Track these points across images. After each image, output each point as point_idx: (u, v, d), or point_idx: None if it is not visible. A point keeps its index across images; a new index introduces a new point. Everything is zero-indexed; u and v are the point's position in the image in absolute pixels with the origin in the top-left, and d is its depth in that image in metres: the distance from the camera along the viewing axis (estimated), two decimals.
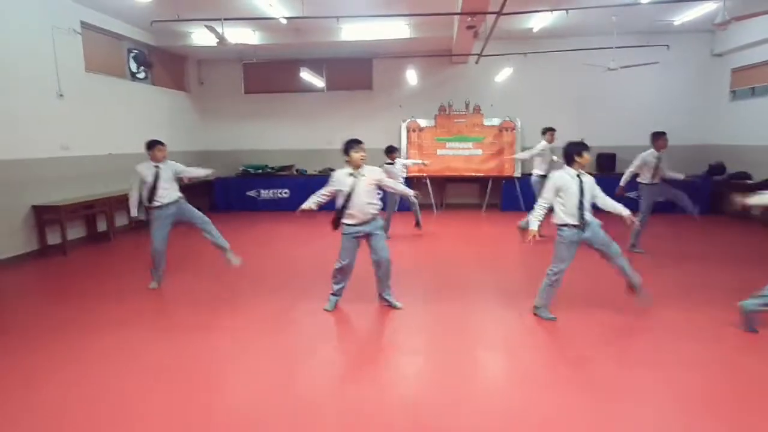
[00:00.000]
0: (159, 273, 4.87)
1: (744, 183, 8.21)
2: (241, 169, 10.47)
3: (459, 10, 5.85)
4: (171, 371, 3.12)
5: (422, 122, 9.74)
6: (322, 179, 10.19)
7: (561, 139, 9.65)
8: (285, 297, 4.58)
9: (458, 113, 9.73)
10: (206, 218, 5.01)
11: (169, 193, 4.80)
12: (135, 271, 5.51)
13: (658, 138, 6.10)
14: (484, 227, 8.25)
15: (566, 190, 3.66)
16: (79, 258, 6.26)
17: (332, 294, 4.19)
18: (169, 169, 4.86)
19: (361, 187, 3.89)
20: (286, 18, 6.75)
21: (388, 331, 3.84)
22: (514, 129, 9.50)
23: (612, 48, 8.00)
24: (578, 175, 3.72)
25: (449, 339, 3.63)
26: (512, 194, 9.61)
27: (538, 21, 8.08)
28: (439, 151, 9.66)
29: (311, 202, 4.08)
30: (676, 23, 8.21)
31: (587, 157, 3.74)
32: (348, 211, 3.92)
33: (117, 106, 7.95)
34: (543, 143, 7.22)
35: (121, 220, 7.82)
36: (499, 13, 5.77)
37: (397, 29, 8.31)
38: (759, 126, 8.20)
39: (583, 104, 9.77)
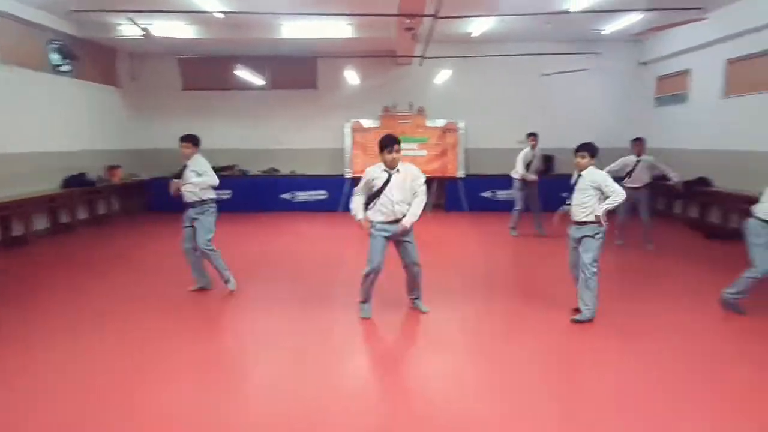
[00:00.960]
0: (200, 275, 4.63)
1: (666, 184, 8.75)
2: (179, 168, 9.98)
3: (396, 12, 5.85)
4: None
5: (367, 123, 9.71)
6: (267, 180, 10.11)
7: (501, 140, 10.05)
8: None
9: (402, 114, 9.78)
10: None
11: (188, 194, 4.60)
12: (55, 279, 5.12)
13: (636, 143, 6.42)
14: (431, 227, 8.31)
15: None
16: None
17: (362, 301, 3.96)
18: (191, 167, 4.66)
19: (394, 183, 3.69)
20: (223, 12, 6.51)
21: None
22: (457, 130, 9.66)
23: (548, 54, 8.33)
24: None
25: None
26: (456, 195, 9.78)
27: (478, 26, 8.26)
28: None
29: (359, 209, 3.84)
30: (605, 32, 8.63)
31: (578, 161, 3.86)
32: (377, 207, 3.75)
33: (35, 101, 7.36)
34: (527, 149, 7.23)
35: (39, 224, 7.27)
36: (435, 17, 5.83)
37: (339, 29, 8.22)
38: (680, 131, 8.77)
39: (522, 107, 10.06)
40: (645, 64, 9.80)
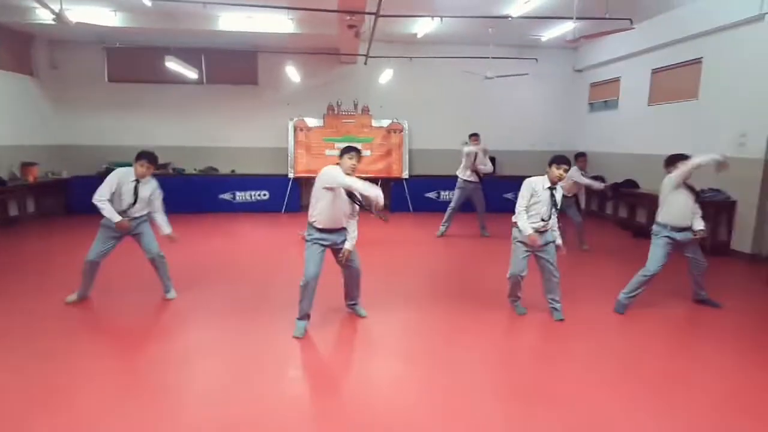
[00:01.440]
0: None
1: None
2: (104, 167, 9.27)
3: (336, 9, 5.70)
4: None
5: (311, 121, 9.47)
6: (202, 180, 9.59)
7: (445, 141, 10.15)
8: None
9: (347, 113, 9.63)
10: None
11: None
12: None
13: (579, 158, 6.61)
14: (375, 228, 8.21)
15: None
16: None
17: (298, 318, 3.62)
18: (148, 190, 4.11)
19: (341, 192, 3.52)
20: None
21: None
22: (402, 131, 9.64)
23: (488, 58, 8.48)
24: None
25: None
26: (401, 195, 9.76)
27: (422, 27, 8.27)
28: (327, 152, 9.45)
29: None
30: (543, 39, 8.93)
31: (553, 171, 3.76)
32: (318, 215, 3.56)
33: None
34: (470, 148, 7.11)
35: None
36: (376, 15, 5.72)
37: (281, 23, 7.92)
38: (610, 135, 9.25)
39: (465, 109, 10.22)
40: (579, 71, 10.27)
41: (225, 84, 9.75)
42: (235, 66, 9.73)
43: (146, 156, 4.01)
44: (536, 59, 9.20)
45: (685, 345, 3.71)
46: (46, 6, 4.52)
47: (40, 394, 2.76)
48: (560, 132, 10.57)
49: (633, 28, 5.68)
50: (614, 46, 8.66)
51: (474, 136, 7.34)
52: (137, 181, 4.00)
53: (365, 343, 3.69)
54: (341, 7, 5.46)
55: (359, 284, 3.95)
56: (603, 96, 9.64)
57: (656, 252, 4.08)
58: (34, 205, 8.44)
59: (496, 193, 9.45)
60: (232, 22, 7.89)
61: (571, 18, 6.43)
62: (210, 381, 3.01)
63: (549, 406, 2.72)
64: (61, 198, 8.87)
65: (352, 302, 4.04)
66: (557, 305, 3.99)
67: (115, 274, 4.85)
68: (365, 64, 9.24)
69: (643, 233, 7.52)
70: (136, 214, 4.06)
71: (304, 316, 3.63)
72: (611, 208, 9.09)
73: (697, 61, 7.04)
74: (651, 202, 7.71)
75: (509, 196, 9.10)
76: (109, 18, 7.51)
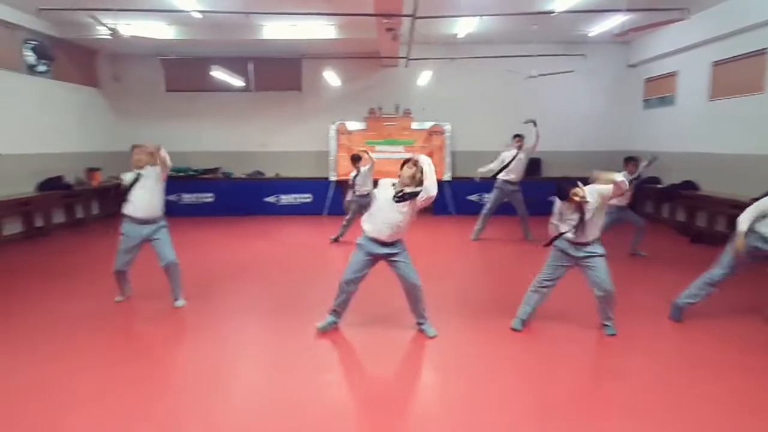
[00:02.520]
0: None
1: (654, 187, 8.67)
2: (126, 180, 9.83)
3: (373, 12, 5.73)
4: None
5: (352, 125, 9.58)
6: (249, 183, 9.94)
7: (488, 143, 9.95)
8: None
9: (388, 116, 9.66)
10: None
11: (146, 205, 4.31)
12: (16, 286, 4.96)
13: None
14: (419, 233, 8.17)
15: None
16: None
17: (329, 312, 3.70)
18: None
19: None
20: (200, 12, 6.37)
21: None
22: (443, 133, 9.54)
23: (533, 56, 8.23)
24: None
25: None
26: (442, 198, 9.65)
27: (463, 27, 8.15)
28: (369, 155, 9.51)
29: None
30: (591, 34, 8.54)
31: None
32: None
33: (11, 101, 7.21)
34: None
35: (13, 228, 7.11)
36: (414, 16, 5.72)
37: (322, 29, 8.10)
38: (668, 133, 8.68)
39: (509, 110, 9.94)
40: (633, 66, 9.72)
41: (271, 91, 10.08)
42: (280, 73, 10.03)
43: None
44: (584, 55, 8.82)
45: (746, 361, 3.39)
46: (101, 23, 4.87)
47: (84, 392, 2.96)
48: (611, 131, 10.07)
49: (684, 19, 5.30)
50: (671, 39, 8.13)
51: (517, 137, 7.13)
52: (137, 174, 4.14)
53: (410, 355, 3.60)
54: (377, 10, 5.49)
55: (417, 300, 3.66)
56: (659, 92, 9.07)
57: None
58: (98, 207, 9.09)
59: (542, 195, 9.15)
60: (275, 30, 8.13)
61: (620, 10, 6.14)
62: (245, 383, 3.10)
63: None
64: (121, 201, 9.48)
65: (418, 321, 3.75)
66: (608, 322, 3.70)
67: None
68: (406, 66, 9.24)
69: (702, 239, 7.01)
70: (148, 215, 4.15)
71: (333, 312, 3.67)
72: (668, 212, 8.52)
73: (762, 52, 6.47)
74: (713, 205, 7.17)
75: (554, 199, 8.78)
76: (164, 31, 7.97)
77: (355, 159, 6.66)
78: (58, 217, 8.05)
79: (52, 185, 7.74)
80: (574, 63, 8.83)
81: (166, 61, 9.86)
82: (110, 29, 4.97)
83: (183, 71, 10.04)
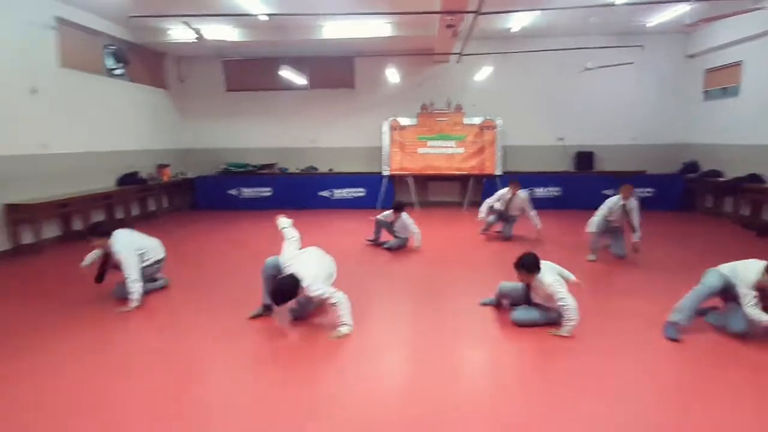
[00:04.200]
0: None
1: (716, 181, 8.47)
2: (222, 167, 10.39)
3: (438, 9, 5.91)
4: (148, 371, 3.10)
5: (404, 121, 9.79)
6: (304, 178, 10.32)
7: (539, 138, 9.95)
8: None
9: (440, 112, 9.81)
10: None
11: None
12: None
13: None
14: (464, 225, 8.31)
15: None
16: (52, 258, 6.11)
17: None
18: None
19: None
20: (267, 15, 6.73)
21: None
22: (494, 128, 9.61)
23: (588, 48, 8.18)
24: None
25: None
26: (493, 192, 9.68)
27: (517, 21, 8.19)
28: (420, 150, 9.72)
29: None
30: (649, 25, 8.39)
31: None
32: None
33: (94, 102, 7.82)
34: None
35: (98, 219, 7.70)
36: (477, 12, 5.85)
37: (379, 28, 8.33)
38: (730, 125, 8.44)
39: (562, 103, 9.94)
40: (692, 56, 9.47)
41: (325, 89, 10.41)
42: (334, 71, 10.35)
43: (91, 231, 4.24)
44: (642, 46, 8.68)
45: None
46: (192, 28, 5.27)
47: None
48: (668, 124, 9.86)
49: (762, 8, 5.20)
50: (735, 28, 7.89)
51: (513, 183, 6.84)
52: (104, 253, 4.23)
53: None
54: (444, 8, 5.66)
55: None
56: (721, 83, 8.82)
57: None
58: (167, 201, 9.69)
59: (595, 189, 9.12)
60: (334, 30, 8.43)
61: (686, 0, 6.07)
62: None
63: None
64: (187, 195, 10.10)
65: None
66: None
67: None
68: (458, 62, 9.36)
69: None
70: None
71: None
72: (731, 206, 8.29)
73: None
74: None
75: (609, 192, 8.70)
76: (230, 34, 8.42)
77: (398, 208, 6.30)
78: (134, 210, 8.66)
79: (129, 180, 8.34)
80: (632, 54, 8.71)
81: (226, 62, 10.37)
82: (198, 34, 5.35)
83: (242, 72, 10.51)
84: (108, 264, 4.27)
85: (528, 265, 3.53)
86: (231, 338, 3.54)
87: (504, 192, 6.87)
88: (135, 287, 4.08)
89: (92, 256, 4.35)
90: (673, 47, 9.53)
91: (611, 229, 5.66)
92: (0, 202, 6.08)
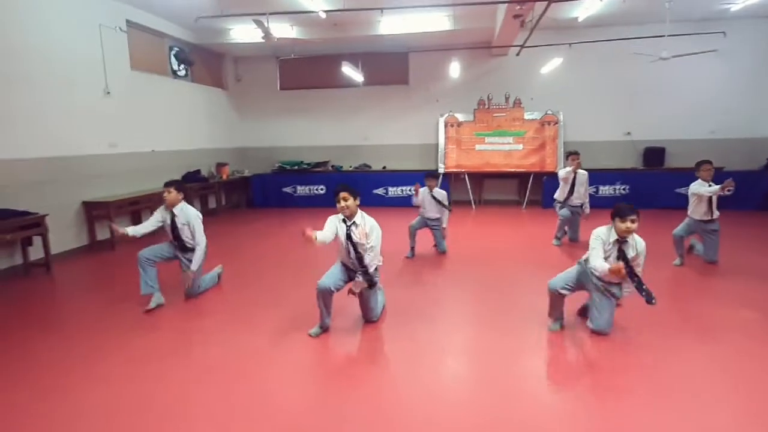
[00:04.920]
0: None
1: None
2: (277, 165, 10.51)
3: None
4: (217, 369, 3.08)
5: (460, 117, 9.53)
6: (357, 175, 10.27)
7: (604, 133, 9.41)
8: None
9: (498, 107, 9.48)
10: None
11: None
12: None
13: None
14: (527, 226, 7.98)
15: None
16: (127, 253, 6.33)
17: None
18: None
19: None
20: (326, 11, 6.68)
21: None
22: (556, 123, 9.19)
23: (664, 36, 7.61)
24: None
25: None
26: (554, 190, 9.29)
27: (585, 9, 7.75)
28: (477, 146, 9.45)
29: None
30: (733, 9, 7.74)
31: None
32: None
33: (159, 103, 8.06)
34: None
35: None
36: (550, 1, 5.54)
37: (437, 21, 8.13)
38: None
39: (630, 96, 9.36)
40: None
41: (378, 85, 10.30)
42: (388, 68, 10.22)
43: (172, 183, 4.16)
44: (724, 33, 8.02)
45: None
46: (263, 28, 5.29)
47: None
48: (751, 116, 9.08)
49: None
50: None
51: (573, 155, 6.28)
52: (171, 212, 4.17)
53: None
54: None
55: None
56: None
57: None
58: (225, 198, 9.90)
59: (668, 186, 8.54)
60: (391, 25, 8.29)
61: None
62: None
63: None
64: (244, 193, 10.28)
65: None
66: None
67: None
68: (517, 55, 8.99)
69: None
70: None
71: None
72: None
73: None
74: None
75: (682, 190, 8.12)
76: (288, 31, 8.45)
77: (434, 174, 5.92)
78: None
79: (192, 178, 8.56)
80: (711, 41, 8.06)
81: (280, 61, 10.46)
82: (265, 33, 5.37)
83: (295, 70, 10.58)
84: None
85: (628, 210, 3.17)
86: (295, 342, 3.47)
87: (566, 171, 6.15)
88: (200, 254, 4.21)
89: (148, 225, 4.28)
90: (759, 33, 8.74)
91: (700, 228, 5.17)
92: (78, 199, 6.35)
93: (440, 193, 5.67)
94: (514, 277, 4.97)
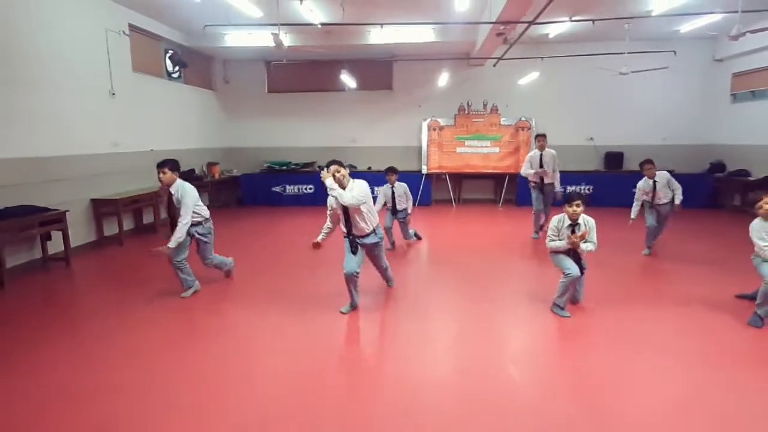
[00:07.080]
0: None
1: (744, 180, 8.86)
2: (265, 165, 10.87)
3: (494, 20, 6.34)
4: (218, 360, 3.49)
5: (442, 121, 10.23)
6: None
7: (570, 138, 10.34)
8: None
9: (477, 113, 10.24)
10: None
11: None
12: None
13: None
14: (504, 222, 8.75)
15: None
16: (134, 248, 6.63)
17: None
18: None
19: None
20: (325, 24, 7.17)
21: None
22: (529, 128, 10.03)
23: (624, 54, 8.56)
24: None
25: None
26: (527, 190, 10.14)
27: (555, 27, 8.60)
28: (458, 149, 10.17)
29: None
30: (682, 31, 8.79)
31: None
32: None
33: (157, 104, 8.30)
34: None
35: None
36: (530, 23, 6.28)
37: (423, 33, 8.77)
38: (758, 127, 8.84)
39: (593, 106, 10.36)
40: (720, 60, 9.86)
41: (363, 90, 10.85)
42: (373, 74, 10.79)
43: (166, 163, 4.27)
44: (674, 52, 9.08)
45: None
46: (276, 38, 5.73)
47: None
48: (696, 125, 10.27)
49: None
50: (765, 34, 8.26)
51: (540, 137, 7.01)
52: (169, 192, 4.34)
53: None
54: (502, 18, 6.08)
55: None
56: (750, 86, 9.21)
57: None
58: (216, 197, 10.17)
59: (626, 186, 9.51)
60: (380, 35, 8.86)
61: (724, 12, 6.45)
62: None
63: None
64: (233, 192, 10.58)
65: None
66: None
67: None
68: (494, 66, 9.77)
69: None
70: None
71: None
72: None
73: None
74: None
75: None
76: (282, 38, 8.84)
77: (394, 170, 6.28)
78: None
79: (187, 177, 8.76)
80: (663, 59, 9.10)
81: (268, 65, 10.83)
82: (277, 42, 5.81)
83: (283, 74, 10.96)
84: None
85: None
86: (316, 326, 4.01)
87: (533, 154, 6.87)
88: (182, 231, 4.19)
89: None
90: (701, 52, 9.92)
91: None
92: (86, 197, 6.57)
93: (401, 186, 6.26)
94: (496, 264, 5.68)
